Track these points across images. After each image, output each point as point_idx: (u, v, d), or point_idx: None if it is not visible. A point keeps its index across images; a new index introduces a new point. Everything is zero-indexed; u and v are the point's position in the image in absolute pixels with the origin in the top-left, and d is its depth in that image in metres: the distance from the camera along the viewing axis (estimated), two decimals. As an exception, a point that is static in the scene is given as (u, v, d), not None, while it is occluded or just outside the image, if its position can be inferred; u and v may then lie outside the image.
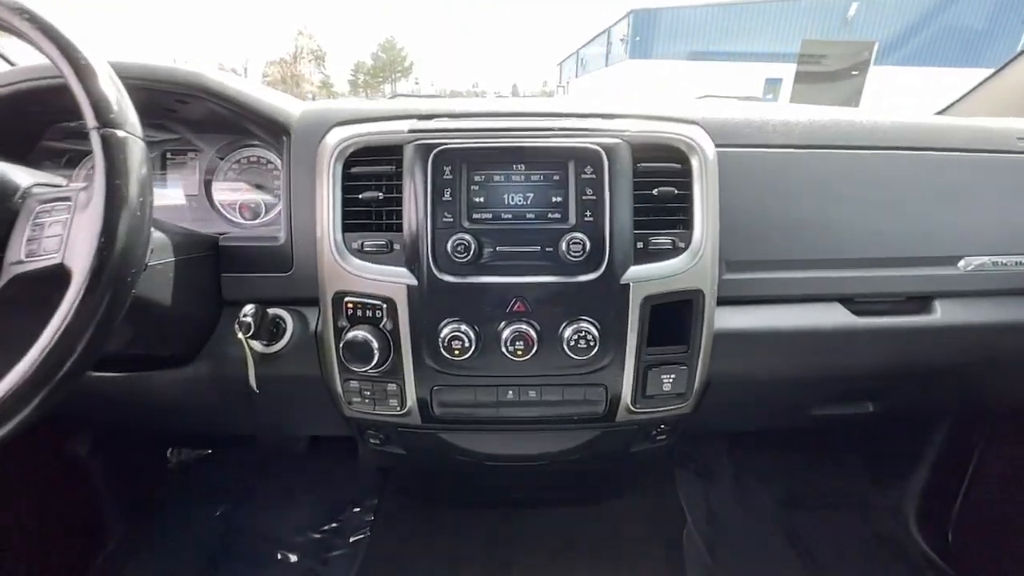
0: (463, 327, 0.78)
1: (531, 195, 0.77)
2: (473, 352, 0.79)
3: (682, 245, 0.81)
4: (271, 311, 0.86)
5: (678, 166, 0.81)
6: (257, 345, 0.86)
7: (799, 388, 1.03)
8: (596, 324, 0.79)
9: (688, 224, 0.81)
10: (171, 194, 1.03)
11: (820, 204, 0.88)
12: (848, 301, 0.92)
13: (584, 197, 0.76)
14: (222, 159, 1.03)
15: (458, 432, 0.92)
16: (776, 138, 0.89)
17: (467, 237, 0.75)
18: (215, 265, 0.86)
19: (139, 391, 0.87)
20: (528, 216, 0.77)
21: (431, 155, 0.76)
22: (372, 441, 0.97)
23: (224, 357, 0.86)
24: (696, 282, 0.81)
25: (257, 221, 1.03)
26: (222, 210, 1.04)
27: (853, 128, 0.90)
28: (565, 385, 0.85)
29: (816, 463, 1.60)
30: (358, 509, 1.49)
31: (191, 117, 0.91)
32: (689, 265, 0.80)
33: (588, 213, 0.77)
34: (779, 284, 0.90)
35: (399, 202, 0.78)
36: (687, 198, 0.81)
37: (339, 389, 0.87)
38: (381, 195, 0.79)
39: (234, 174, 1.04)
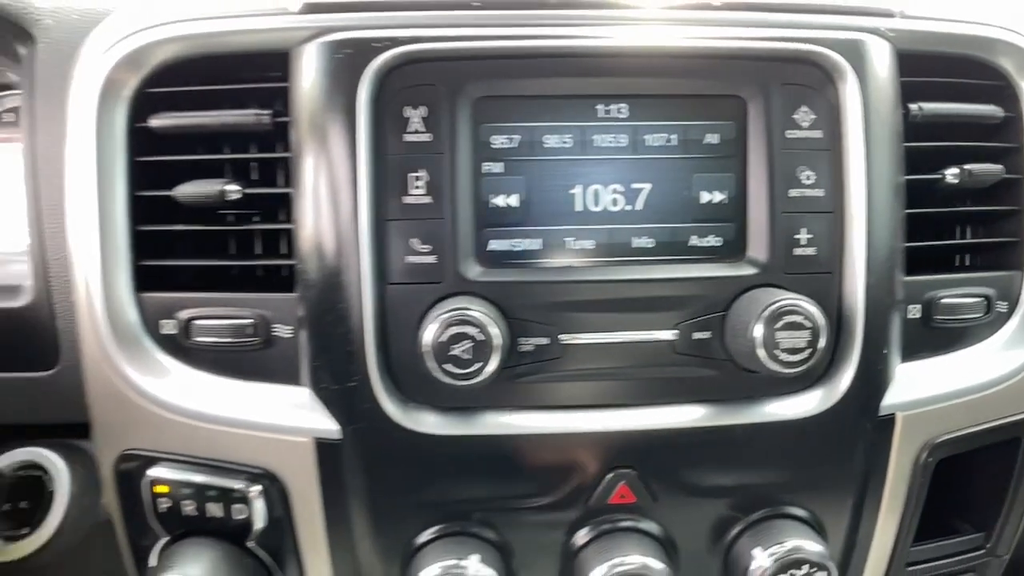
0: (471, 561, 0.38)
1: (647, 187, 0.40)
2: None
3: (1003, 306, 0.46)
4: (13, 457, 0.50)
5: (999, 113, 0.45)
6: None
7: None
8: (818, 527, 0.42)
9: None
10: None
11: None
12: None
13: (794, 191, 0.40)
14: None
15: None
16: None
17: (478, 309, 0.37)
18: None
19: None
20: (639, 244, 0.40)
21: (369, 71, 0.37)
22: None
23: None
24: None
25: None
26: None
27: None
28: None
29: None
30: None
31: None
32: None
33: (806, 235, 0.40)
34: None
35: (282, 209, 0.41)
36: None
37: None
38: (239, 190, 0.41)
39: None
